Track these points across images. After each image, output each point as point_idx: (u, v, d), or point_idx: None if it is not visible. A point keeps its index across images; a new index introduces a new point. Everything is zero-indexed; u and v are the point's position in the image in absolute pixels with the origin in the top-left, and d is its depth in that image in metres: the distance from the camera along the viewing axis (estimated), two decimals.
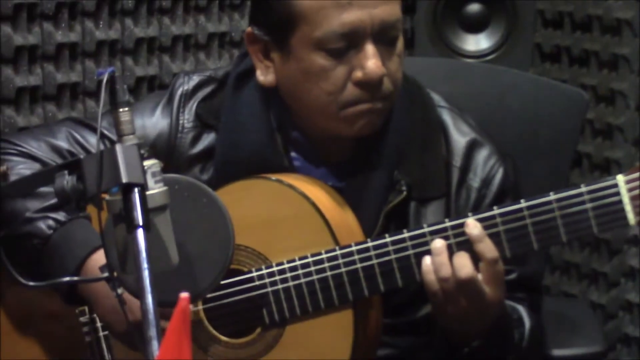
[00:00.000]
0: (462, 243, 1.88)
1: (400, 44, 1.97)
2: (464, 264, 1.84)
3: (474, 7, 3.27)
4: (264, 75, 2.01)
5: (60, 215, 1.96)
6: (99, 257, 1.91)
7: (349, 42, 1.91)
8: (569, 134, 2.44)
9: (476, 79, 2.54)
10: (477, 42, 3.28)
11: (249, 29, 2.01)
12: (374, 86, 1.93)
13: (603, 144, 3.23)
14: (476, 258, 1.86)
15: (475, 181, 2.05)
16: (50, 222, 1.96)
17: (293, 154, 2.05)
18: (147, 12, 2.95)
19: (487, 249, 1.84)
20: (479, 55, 3.26)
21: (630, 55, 3.13)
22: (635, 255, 3.19)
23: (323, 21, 1.90)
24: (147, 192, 1.57)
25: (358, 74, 1.92)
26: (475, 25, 3.27)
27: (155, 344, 1.45)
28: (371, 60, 1.91)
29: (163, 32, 2.99)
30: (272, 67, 2.00)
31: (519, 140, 2.32)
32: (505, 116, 2.38)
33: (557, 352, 2.40)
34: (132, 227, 1.52)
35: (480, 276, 1.85)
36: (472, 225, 1.86)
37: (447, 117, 2.09)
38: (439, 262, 1.85)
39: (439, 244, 1.86)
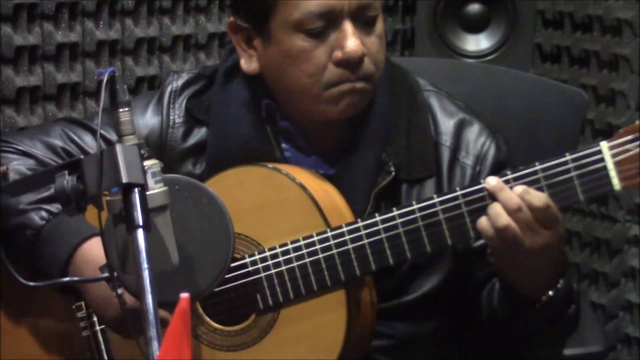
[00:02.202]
0: (452, 218, 1.90)
1: (379, 25, 1.99)
2: (498, 212, 1.84)
3: (474, 7, 3.27)
4: (248, 64, 2.03)
5: (53, 207, 1.98)
6: (91, 245, 1.92)
7: (328, 22, 1.94)
8: (569, 134, 2.44)
9: (476, 79, 2.54)
10: (477, 42, 3.28)
11: (231, 19, 2.04)
12: (354, 65, 1.95)
13: None
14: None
15: (468, 159, 2.07)
16: (43, 213, 1.97)
17: (284, 145, 2.07)
18: (147, 12, 2.95)
19: (506, 197, 1.85)
20: (479, 55, 3.26)
21: (631, 55, 3.13)
22: (636, 255, 3.19)
23: (300, 2, 1.93)
24: (147, 192, 1.57)
25: (338, 54, 1.94)
26: (476, 25, 3.27)
27: (155, 344, 1.45)
28: (350, 40, 1.93)
29: (163, 32, 2.99)
30: (255, 54, 2.02)
31: (519, 140, 2.32)
32: (505, 116, 2.38)
33: None
34: (132, 227, 1.53)
35: (515, 226, 1.84)
36: (490, 179, 1.87)
37: (433, 99, 2.11)
38: (506, 197, 1.85)
39: (493, 181, 1.87)
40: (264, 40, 1.99)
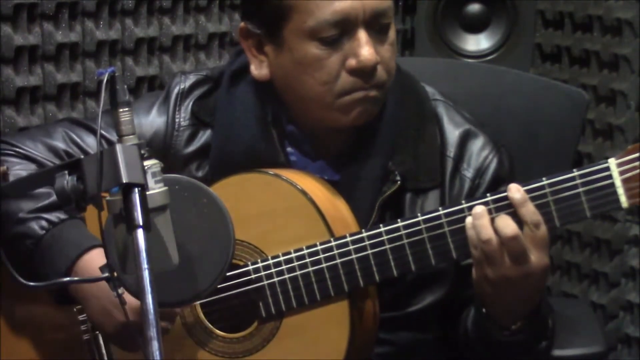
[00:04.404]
0: (457, 231, 1.88)
1: (392, 32, 1.98)
2: (506, 223, 1.82)
3: (474, 7, 3.27)
4: (258, 70, 2.02)
5: (53, 216, 1.97)
6: (91, 258, 1.92)
7: (342, 31, 1.93)
8: (569, 134, 2.44)
9: (476, 79, 2.54)
10: (478, 42, 3.28)
11: (242, 24, 2.03)
12: (368, 74, 1.94)
13: (603, 144, 3.23)
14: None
15: (468, 171, 2.06)
16: (43, 223, 1.96)
17: (289, 149, 2.06)
18: (147, 12, 2.95)
19: (529, 212, 1.83)
20: (479, 55, 3.26)
21: (631, 55, 3.13)
22: (636, 255, 3.19)
23: (315, 10, 1.92)
24: (148, 192, 1.57)
25: (352, 62, 1.93)
26: (476, 25, 3.27)
27: (155, 344, 1.45)
28: (364, 48, 1.92)
29: (163, 32, 2.99)
30: (266, 61, 2.01)
31: (519, 140, 2.32)
32: (505, 116, 2.38)
33: (557, 352, 2.39)
34: (132, 227, 1.52)
35: (524, 239, 1.82)
36: (515, 189, 1.85)
37: (441, 109, 2.10)
38: (480, 225, 1.83)
39: (479, 209, 1.85)
40: (276, 47, 1.98)
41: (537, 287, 1.89)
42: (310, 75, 1.95)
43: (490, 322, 1.94)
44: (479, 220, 1.84)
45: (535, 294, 1.91)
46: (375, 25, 1.94)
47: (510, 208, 1.85)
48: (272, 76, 2.02)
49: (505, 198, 1.86)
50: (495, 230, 1.83)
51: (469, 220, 1.86)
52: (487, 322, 1.95)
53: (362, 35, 1.93)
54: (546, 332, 1.99)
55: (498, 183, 2.06)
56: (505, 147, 2.11)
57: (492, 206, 1.87)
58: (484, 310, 1.94)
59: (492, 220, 1.84)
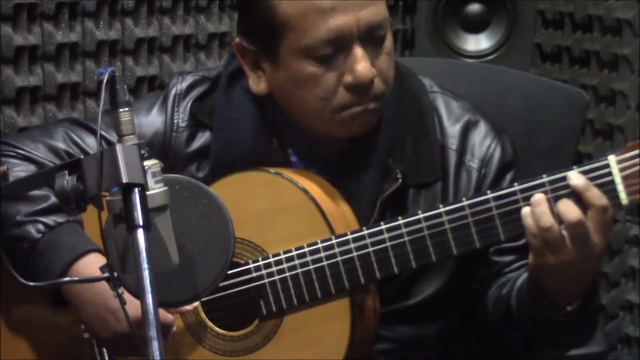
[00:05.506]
0: (458, 228, 1.88)
1: (388, 42, 1.97)
2: (570, 208, 1.80)
3: (474, 7, 3.27)
4: (257, 85, 2.02)
5: (50, 220, 1.97)
6: (86, 263, 1.93)
7: (337, 47, 1.92)
8: (569, 134, 2.44)
9: (476, 79, 2.54)
10: (478, 42, 3.28)
11: (237, 40, 2.02)
12: (365, 88, 1.94)
13: (603, 145, 3.23)
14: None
15: (473, 162, 2.06)
16: (40, 226, 1.97)
17: (289, 150, 2.06)
18: (147, 12, 2.95)
19: (596, 196, 1.81)
20: (479, 55, 3.26)
21: (631, 55, 3.12)
22: (636, 255, 3.19)
23: (309, 29, 1.91)
24: (148, 192, 1.57)
25: (348, 78, 1.93)
26: (476, 25, 3.27)
27: (155, 344, 1.45)
28: (360, 64, 1.91)
29: (163, 32, 2.99)
30: (263, 76, 2.01)
31: (519, 140, 2.32)
32: (505, 116, 2.38)
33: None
34: (132, 227, 1.52)
35: (589, 224, 1.81)
36: (575, 176, 1.83)
37: (439, 101, 2.10)
38: (539, 212, 1.81)
39: (538, 196, 1.83)
40: (273, 64, 1.98)
41: (595, 269, 1.88)
42: (308, 91, 1.95)
43: (548, 303, 1.91)
44: (538, 207, 1.82)
45: (593, 275, 1.90)
46: (371, 38, 1.93)
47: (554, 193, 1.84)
48: (270, 91, 2.01)
49: (535, 187, 1.85)
50: (558, 216, 1.81)
51: (526, 209, 1.83)
52: (544, 304, 1.92)
53: (358, 50, 1.92)
54: (598, 311, 1.98)
55: (504, 170, 2.06)
56: (506, 132, 2.11)
57: (492, 204, 1.87)
58: (541, 291, 1.91)
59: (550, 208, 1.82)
